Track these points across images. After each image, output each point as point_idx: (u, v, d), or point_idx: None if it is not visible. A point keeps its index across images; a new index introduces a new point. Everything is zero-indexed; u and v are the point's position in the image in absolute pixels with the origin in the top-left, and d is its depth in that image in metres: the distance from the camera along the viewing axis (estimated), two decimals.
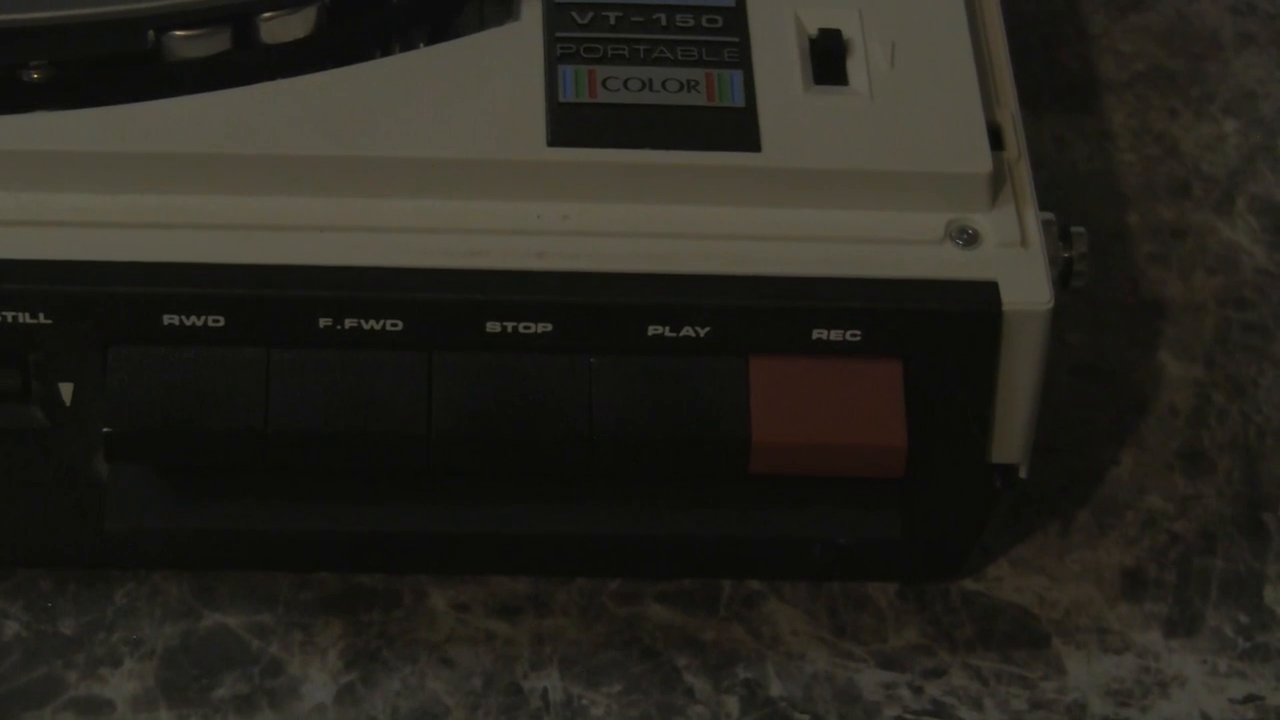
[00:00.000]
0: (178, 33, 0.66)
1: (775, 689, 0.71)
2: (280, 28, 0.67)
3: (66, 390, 0.65)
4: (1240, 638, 0.74)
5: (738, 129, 0.67)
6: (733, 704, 0.71)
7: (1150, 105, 0.86)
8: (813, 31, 0.69)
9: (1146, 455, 0.78)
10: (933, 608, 0.74)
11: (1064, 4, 0.88)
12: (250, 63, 0.67)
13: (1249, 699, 0.73)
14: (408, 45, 0.69)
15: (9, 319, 0.63)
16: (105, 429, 0.63)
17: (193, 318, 0.64)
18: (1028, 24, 0.86)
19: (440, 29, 0.69)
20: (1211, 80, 0.86)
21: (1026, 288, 0.66)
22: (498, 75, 0.68)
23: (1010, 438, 0.68)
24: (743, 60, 0.68)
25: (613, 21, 0.69)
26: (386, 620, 0.72)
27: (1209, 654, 0.74)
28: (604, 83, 0.68)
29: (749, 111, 0.67)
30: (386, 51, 0.69)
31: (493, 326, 0.64)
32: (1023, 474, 0.69)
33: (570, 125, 0.67)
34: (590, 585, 0.73)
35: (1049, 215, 0.68)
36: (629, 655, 0.72)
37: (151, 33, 0.66)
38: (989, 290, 0.65)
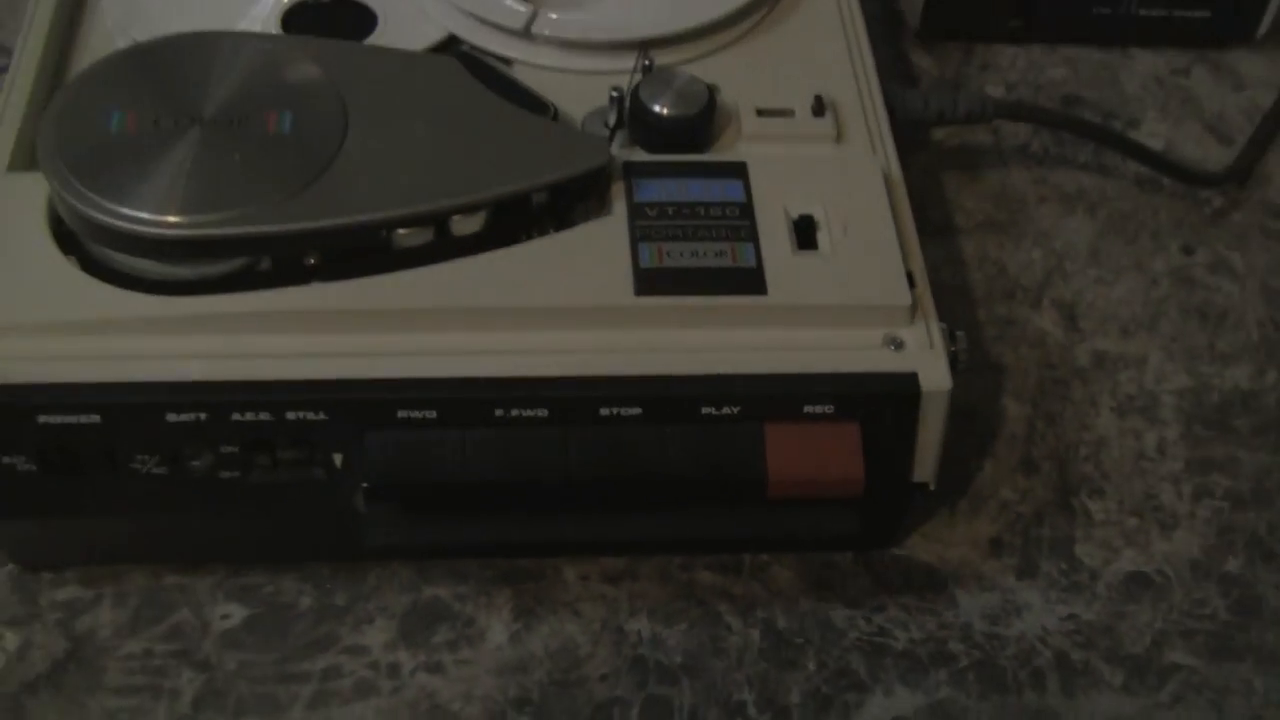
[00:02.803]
0: (401, 230, 0.63)
1: (781, 623, 0.69)
2: (463, 224, 0.64)
3: (338, 458, 0.62)
4: (1062, 578, 0.72)
5: (752, 280, 0.65)
6: (755, 635, 0.69)
7: (987, 242, 0.81)
8: (795, 216, 0.67)
9: (999, 464, 0.75)
10: (875, 567, 0.71)
11: (929, 179, 0.83)
12: (448, 248, 0.64)
13: (1069, 617, 0.71)
14: (543, 231, 0.66)
15: (304, 417, 0.61)
16: (364, 484, 0.61)
17: (416, 412, 0.62)
18: (909, 190, 0.82)
19: (564, 219, 0.66)
20: (1023, 225, 0.82)
21: (935, 376, 0.64)
22: (602, 250, 0.65)
23: (924, 465, 0.66)
24: (752, 236, 0.66)
25: (670, 214, 0.66)
26: (538, 588, 0.69)
27: (1044, 589, 0.71)
28: (668, 254, 0.65)
29: (759, 269, 0.65)
30: (531, 235, 0.66)
31: (604, 411, 0.62)
32: (931, 487, 0.67)
33: (649, 281, 0.64)
34: (664, 561, 0.71)
35: (943, 325, 0.66)
36: (689, 604, 0.69)
37: (384, 232, 0.62)
38: (912, 379, 0.64)
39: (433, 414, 0.61)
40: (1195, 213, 0.85)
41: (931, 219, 0.83)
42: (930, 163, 0.86)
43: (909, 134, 0.79)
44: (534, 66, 0.71)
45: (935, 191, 0.84)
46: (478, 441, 0.62)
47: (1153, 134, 0.89)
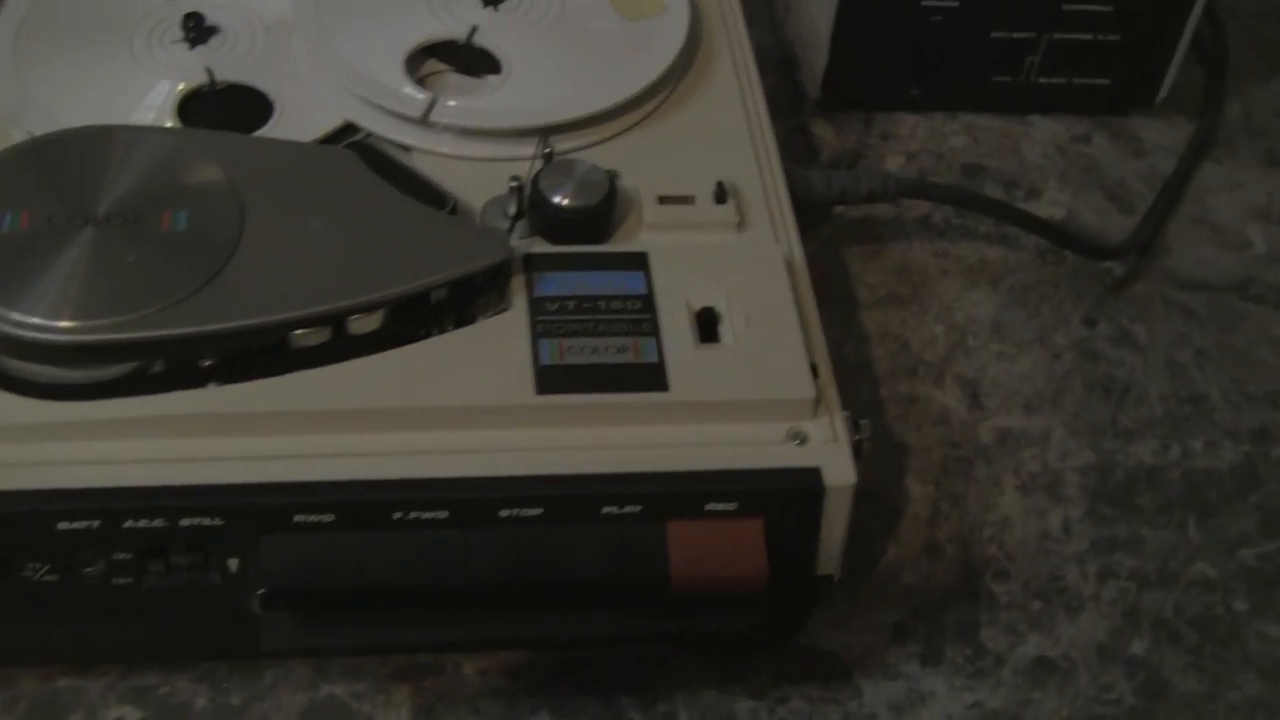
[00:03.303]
0: (298, 331, 0.63)
1: (683, 716, 0.70)
2: (361, 324, 0.65)
3: (234, 563, 0.62)
4: (967, 664, 0.72)
5: (654, 377, 0.65)
6: None
7: (890, 317, 0.82)
8: (697, 308, 0.67)
9: (902, 547, 0.76)
10: (780, 656, 0.72)
11: (831, 254, 0.83)
12: (346, 347, 0.64)
13: (975, 705, 0.71)
14: (443, 327, 0.66)
15: (198, 523, 0.61)
16: (260, 591, 0.60)
17: (313, 516, 0.61)
18: (812, 266, 0.82)
19: (464, 314, 0.66)
20: (925, 299, 0.82)
21: (838, 471, 0.64)
22: (502, 347, 0.65)
23: (828, 558, 0.66)
24: (654, 330, 0.66)
25: (571, 308, 0.66)
26: (437, 684, 0.69)
27: (948, 676, 0.72)
28: (568, 350, 0.65)
29: (660, 365, 0.65)
30: (430, 332, 0.66)
31: (504, 512, 0.62)
32: (836, 579, 0.67)
33: (549, 380, 0.64)
34: (565, 652, 0.70)
35: (848, 414, 0.66)
36: (591, 699, 0.70)
37: (280, 332, 0.63)
38: (815, 474, 0.64)
39: (330, 518, 0.61)
40: (1097, 283, 0.86)
41: (834, 294, 0.84)
42: (832, 237, 0.87)
43: (811, 210, 0.80)
44: (434, 154, 0.71)
45: (838, 266, 0.85)
46: (375, 545, 0.61)
47: (1054, 203, 0.90)
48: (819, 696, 0.70)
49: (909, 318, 0.84)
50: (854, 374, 0.81)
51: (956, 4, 0.87)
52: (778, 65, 0.98)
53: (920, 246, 0.87)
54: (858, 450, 0.66)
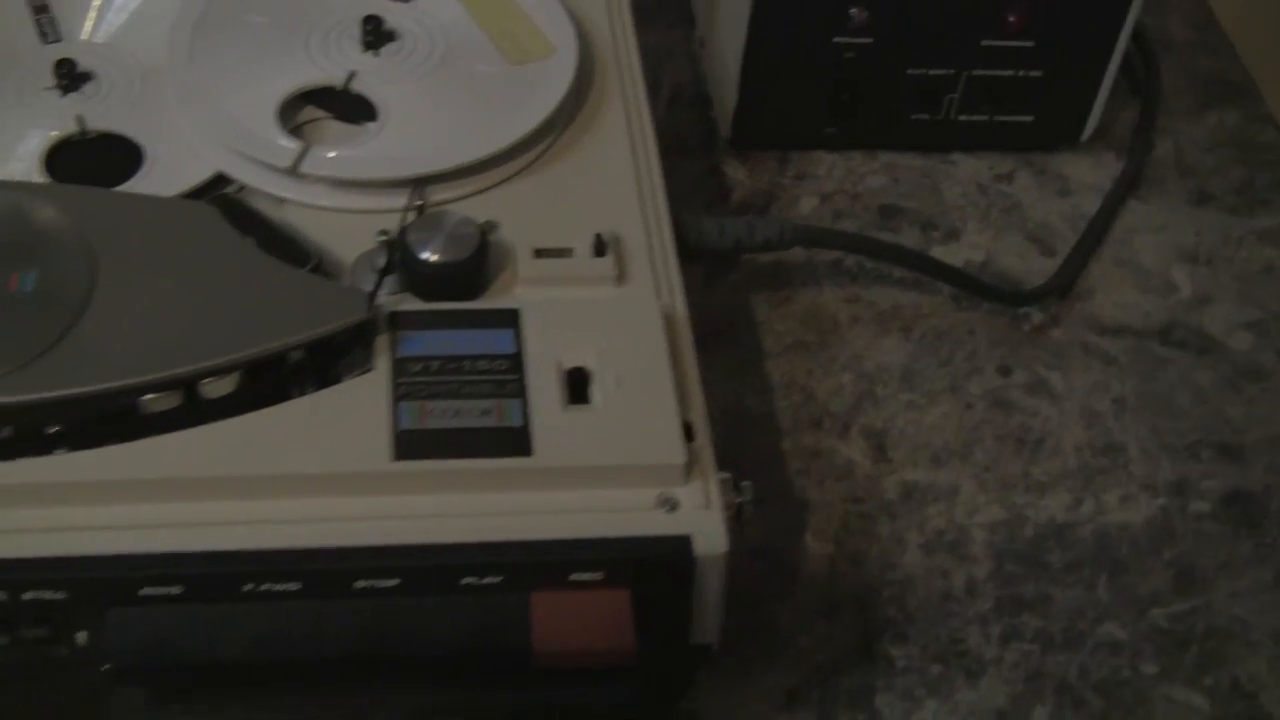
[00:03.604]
0: (148, 396, 0.61)
1: None
2: (214, 387, 0.63)
3: (82, 636, 0.61)
4: None
5: (517, 441, 0.63)
6: None
7: (796, 367, 0.80)
8: (567, 367, 0.65)
9: (798, 609, 0.75)
10: None
11: (739, 300, 0.82)
12: (199, 411, 0.62)
13: None
14: (304, 388, 0.64)
15: (42, 596, 0.60)
16: (104, 667, 0.59)
17: (160, 588, 0.60)
18: (718, 313, 0.81)
19: (326, 375, 0.65)
20: (834, 348, 0.81)
21: (710, 539, 0.63)
22: (361, 410, 0.63)
23: (705, 627, 0.65)
24: (520, 392, 0.64)
25: (435, 369, 0.65)
26: None
27: None
28: (430, 413, 0.63)
29: (525, 428, 0.63)
30: (289, 394, 0.64)
31: (360, 583, 0.61)
32: (715, 647, 0.65)
33: (408, 445, 0.62)
34: None
35: (726, 475, 0.64)
36: None
37: (130, 398, 0.61)
38: (685, 543, 0.62)
39: (178, 590, 0.59)
40: (1014, 330, 0.85)
41: (740, 343, 0.82)
42: (741, 283, 0.85)
43: (709, 259, 0.78)
44: (306, 206, 0.69)
45: (744, 314, 0.84)
46: (226, 618, 0.60)
47: (973, 245, 0.88)
48: None
49: (816, 367, 0.82)
50: (756, 426, 0.79)
51: (870, 41, 0.86)
52: (694, 102, 0.96)
53: (831, 292, 0.85)
54: (739, 514, 0.64)
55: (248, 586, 0.60)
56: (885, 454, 0.79)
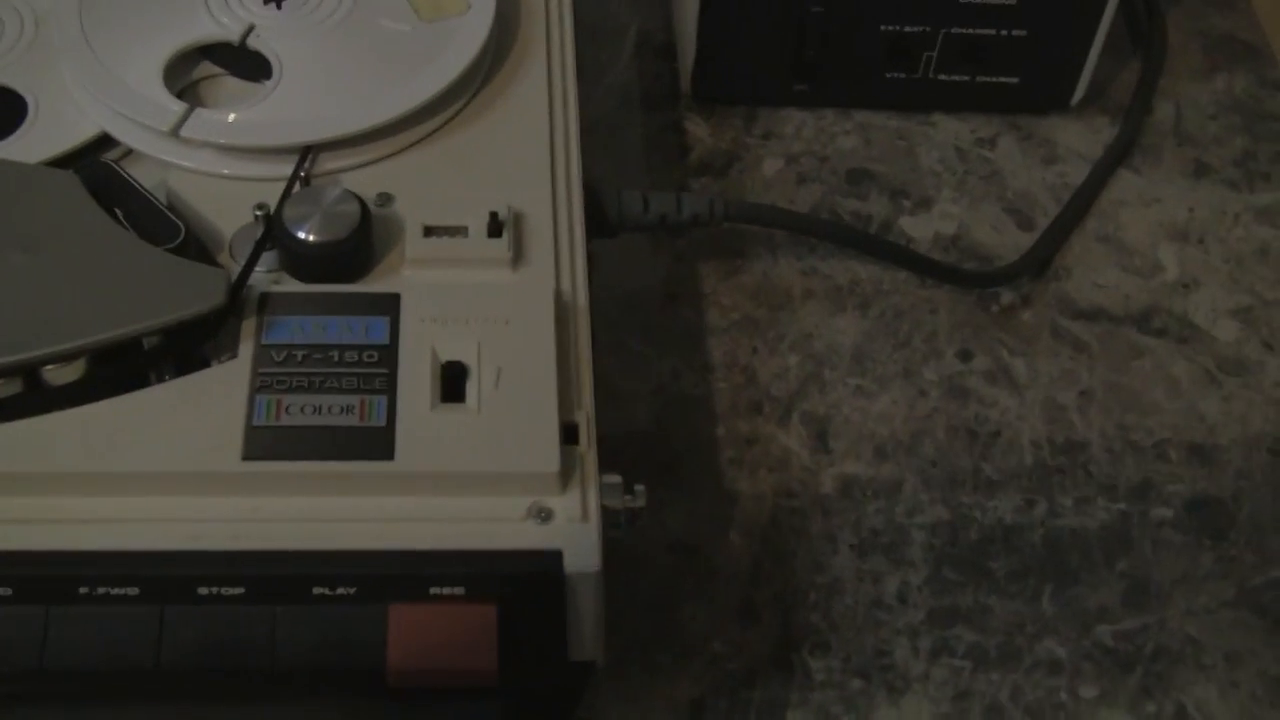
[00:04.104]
0: None
1: None
2: (58, 374, 0.60)
3: None
4: None
5: (379, 443, 0.60)
6: None
7: (739, 345, 0.76)
8: (444, 360, 0.62)
9: (714, 611, 0.71)
10: None
11: (685, 269, 0.77)
12: (43, 399, 0.60)
13: None
14: (161, 375, 0.62)
15: None
16: None
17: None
18: (661, 282, 0.77)
19: (187, 361, 0.62)
20: (783, 325, 0.77)
21: (584, 555, 0.59)
22: (215, 402, 0.61)
23: (583, 644, 0.61)
24: (389, 387, 0.61)
25: (299, 359, 0.62)
26: None
27: None
28: (287, 409, 0.60)
29: (388, 429, 0.60)
30: (145, 380, 0.61)
31: (203, 590, 0.58)
32: (600, 663, 0.62)
33: (259, 443, 0.60)
34: None
35: (615, 478, 0.62)
36: None
37: None
38: (555, 558, 0.59)
39: (7, 591, 0.57)
40: (980, 310, 0.80)
41: (681, 318, 0.79)
42: (689, 250, 0.81)
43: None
44: (190, 172, 0.65)
45: (689, 285, 0.80)
46: (58, 622, 0.57)
47: (946, 215, 0.84)
48: None
49: (761, 345, 0.78)
50: (690, 409, 0.76)
51: None
52: (663, 50, 0.91)
53: (786, 263, 0.81)
54: (631, 520, 0.61)
55: (83, 590, 0.57)
56: (825, 444, 0.75)
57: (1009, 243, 0.84)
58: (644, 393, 0.76)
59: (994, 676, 0.69)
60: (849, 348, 0.79)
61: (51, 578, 0.57)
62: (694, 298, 0.80)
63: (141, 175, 0.65)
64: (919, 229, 0.84)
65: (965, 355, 0.79)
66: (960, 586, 0.72)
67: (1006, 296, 0.82)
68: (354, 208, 0.64)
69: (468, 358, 0.62)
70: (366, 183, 0.68)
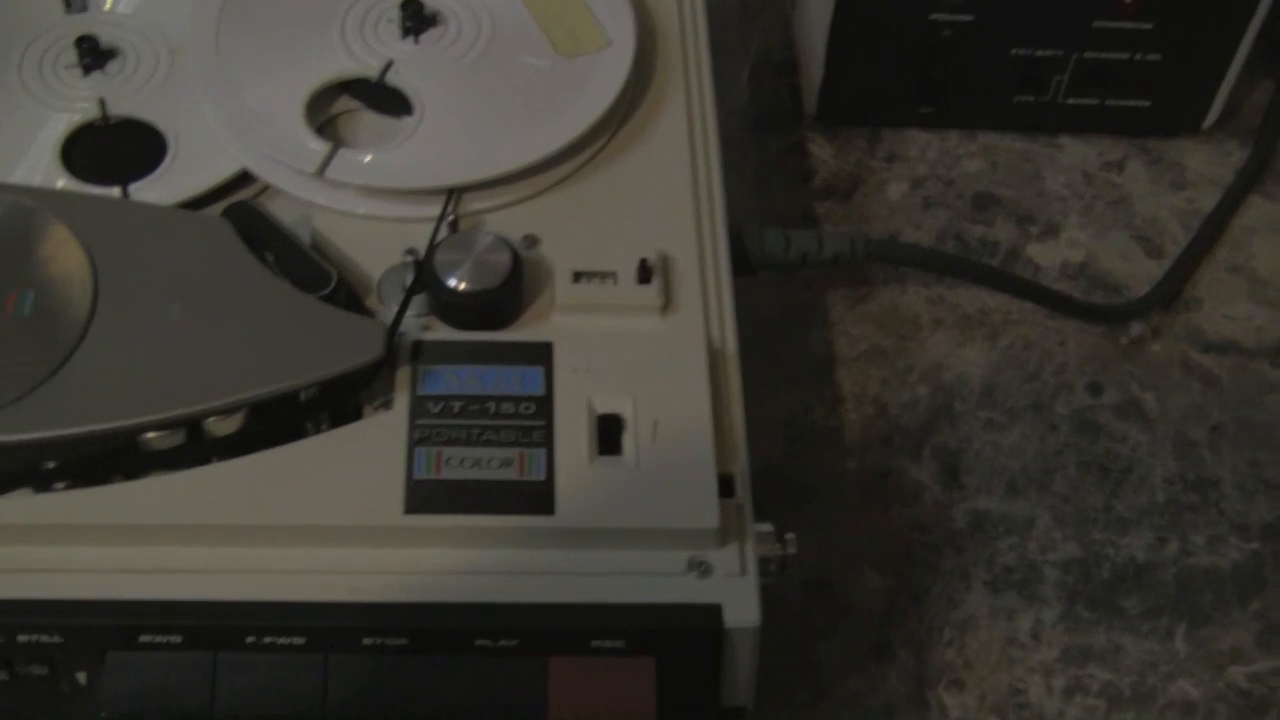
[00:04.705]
0: (150, 434, 0.63)
1: None
2: (220, 426, 0.64)
3: (82, 677, 0.63)
4: None
5: (539, 498, 0.64)
6: None
7: (869, 376, 0.81)
8: (599, 413, 0.65)
9: (850, 647, 0.75)
10: None
11: (813, 297, 0.82)
12: (204, 449, 0.64)
13: None
14: (318, 424, 0.65)
15: (37, 639, 0.62)
16: (101, 714, 0.61)
17: (159, 636, 0.61)
18: (788, 311, 0.81)
19: (340, 411, 0.66)
20: (912, 355, 0.81)
21: (743, 609, 0.63)
22: (374, 454, 0.64)
23: (736, 691, 0.65)
24: (547, 440, 0.65)
25: (456, 410, 0.65)
26: None
27: None
28: (447, 462, 0.64)
29: (548, 483, 0.64)
30: (302, 430, 0.65)
31: (368, 640, 0.62)
32: (749, 708, 0.66)
33: (421, 497, 0.63)
34: None
35: (767, 527, 0.65)
36: None
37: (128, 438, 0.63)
38: (715, 612, 0.63)
39: (178, 639, 0.61)
40: (1109, 342, 0.84)
41: (809, 348, 0.82)
42: (815, 277, 0.84)
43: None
44: (334, 212, 0.70)
45: (817, 314, 0.83)
46: (226, 670, 0.61)
47: (1073, 243, 0.87)
48: None
49: (891, 376, 0.82)
50: (822, 442, 0.80)
51: (970, 19, 0.84)
52: (783, 67, 0.95)
53: (914, 291, 0.85)
54: (783, 567, 0.65)
55: (250, 639, 0.61)
56: (957, 478, 0.79)
57: (1137, 271, 0.87)
58: (775, 425, 0.79)
59: (1128, 716, 0.73)
60: (979, 380, 0.83)
61: (220, 627, 0.61)
62: (822, 326, 0.84)
63: (280, 214, 0.70)
64: (1046, 256, 0.87)
65: (1095, 389, 0.83)
66: (1093, 625, 0.75)
67: (1136, 328, 0.85)
68: (506, 256, 0.68)
69: (623, 409, 0.66)
70: (510, 223, 0.71)
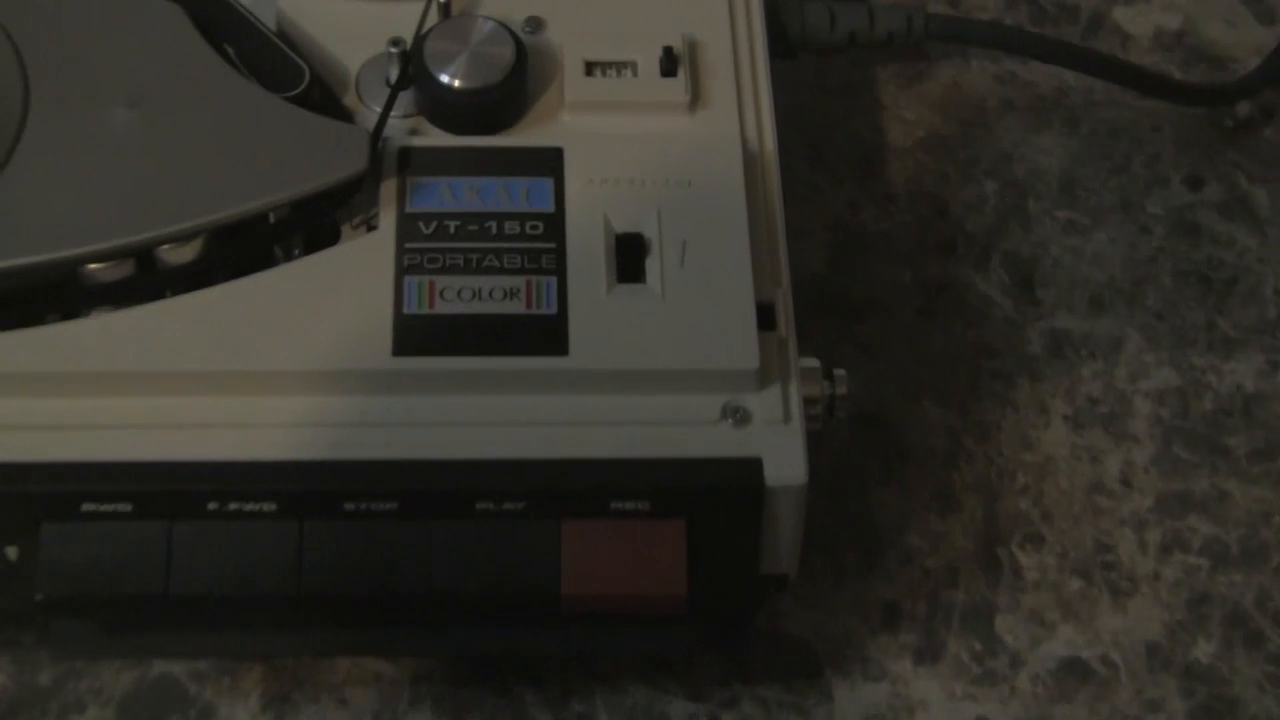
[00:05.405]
0: (92, 265, 0.62)
1: (602, 718, 0.68)
2: (174, 254, 0.63)
3: (12, 551, 0.62)
4: (974, 664, 0.70)
5: (550, 334, 0.63)
6: None
7: (926, 170, 0.80)
8: (618, 232, 0.64)
9: (907, 497, 0.74)
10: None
11: (858, 78, 0.80)
12: (154, 282, 0.63)
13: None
14: (289, 249, 0.65)
15: None
16: (37, 595, 0.60)
17: (105, 504, 0.60)
18: (831, 94, 0.79)
19: (320, 230, 0.65)
20: (977, 144, 0.80)
21: (786, 463, 0.62)
22: (355, 286, 0.63)
23: (778, 557, 0.64)
24: (558, 265, 0.64)
25: (452, 231, 0.64)
26: (298, 666, 0.69)
27: (948, 679, 0.70)
28: (442, 293, 0.63)
29: (560, 317, 0.63)
30: (271, 258, 0.64)
31: (350, 505, 0.61)
32: (791, 576, 0.65)
33: (412, 335, 0.62)
34: None
35: (813, 362, 0.65)
36: (486, 692, 0.69)
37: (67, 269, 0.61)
38: (754, 467, 0.62)
39: (127, 507, 0.60)
40: (1212, 125, 0.82)
41: (856, 135, 0.82)
42: (863, 53, 0.82)
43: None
44: None
45: (865, 96, 0.82)
46: (183, 542, 0.61)
47: (1168, 6, 0.86)
48: (777, 701, 0.69)
49: (952, 170, 0.81)
50: (871, 248, 0.80)
51: None
52: None
53: (979, 67, 0.83)
54: (830, 410, 0.64)
55: (211, 505, 0.61)
56: (1032, 292, 0.79)
57: (1246, 40, 0.86)
58: (816, 229, 0.78)
59: (1236, 577, 0.72)
60: (1056, 173, 0.82)
61: (175, 492, 0.60)
62: (870, 112, 0.82)
63: None
64: (1137, 23, 0.86)
65: (1195, 183, 0.81)
66: (1194, 468, 0.74)
67: (1243, 109, 0.84)
68: (508, 48, 0.66)
69: (646, 228, 0.65)
70: (509, 5, 0.70)
